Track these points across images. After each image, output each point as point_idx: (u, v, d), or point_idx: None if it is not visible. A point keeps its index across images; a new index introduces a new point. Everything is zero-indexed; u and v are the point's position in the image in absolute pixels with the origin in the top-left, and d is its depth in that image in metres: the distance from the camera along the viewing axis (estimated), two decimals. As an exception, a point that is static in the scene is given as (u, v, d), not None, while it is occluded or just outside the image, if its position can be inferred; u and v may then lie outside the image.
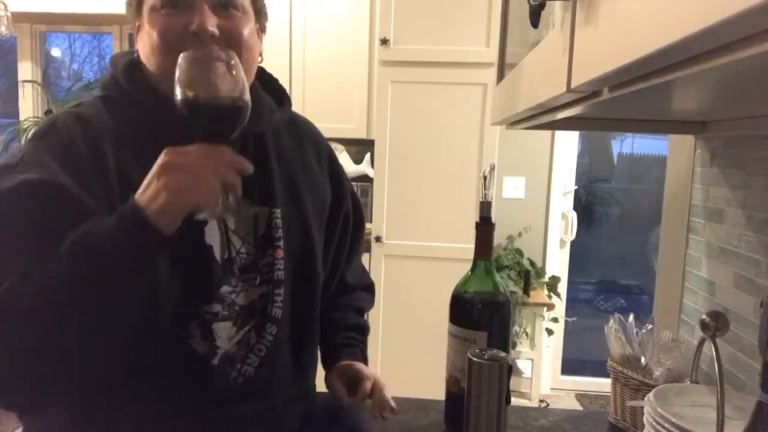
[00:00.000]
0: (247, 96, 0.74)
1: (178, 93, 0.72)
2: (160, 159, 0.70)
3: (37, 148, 0.77)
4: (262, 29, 0.92)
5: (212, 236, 0.84)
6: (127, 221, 0.69)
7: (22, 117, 3.57)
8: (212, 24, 0.81)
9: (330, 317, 1.08)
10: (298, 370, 0.97)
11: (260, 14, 0.91)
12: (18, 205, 0.73)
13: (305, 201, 0.97)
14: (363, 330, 1.13)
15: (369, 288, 1.20)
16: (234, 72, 0.74)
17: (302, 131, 1.04)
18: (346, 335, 1.09)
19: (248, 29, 0.86)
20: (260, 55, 0.91)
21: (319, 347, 1.07)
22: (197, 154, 0.70)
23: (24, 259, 0.70)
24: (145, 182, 0.70)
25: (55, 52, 3.86)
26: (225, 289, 0.86)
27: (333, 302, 1.11)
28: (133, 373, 0.79)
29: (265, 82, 0.98)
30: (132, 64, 0.88)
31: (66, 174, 0.75)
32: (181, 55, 0.73)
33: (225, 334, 0.85)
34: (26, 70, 3.55)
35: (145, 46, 0.84)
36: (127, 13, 0.90)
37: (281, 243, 0.91)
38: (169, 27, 0.81)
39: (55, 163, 0.75)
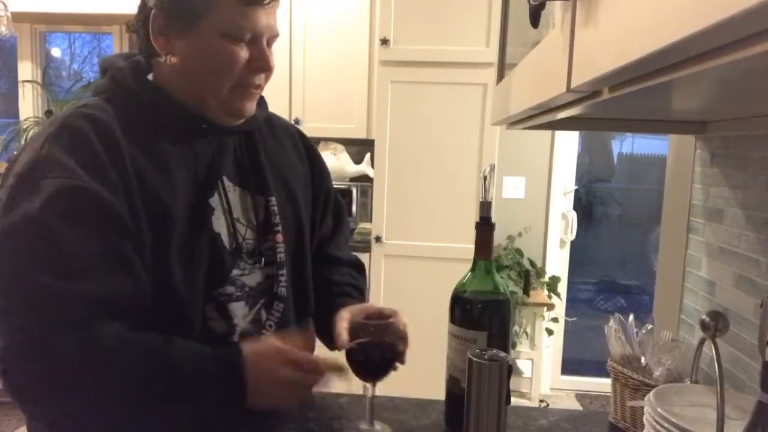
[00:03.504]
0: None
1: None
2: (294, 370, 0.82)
3: (51, 150, 0.79)
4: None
5: (219, 224, 0.92)
6: (231, 392, 0.81)
7: (22, 117, 3.57)
8: (272, 60, 0.91)
9: (329, 280, 1.12)
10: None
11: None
12: (53, 222, 0.76)
13: (294, 187, 1.06)
14: (362, 293, 1.16)
15: (357, 266, 1.21)
16: None
17: (277, 127, 1.11)
18: (350, 291, 1.12)
19: None
20: None
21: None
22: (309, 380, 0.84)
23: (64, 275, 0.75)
24: (267, 367, 0.82)
25: (55, 52, 3.86)
26: (235, 272, 0.93)
27: (330, 274, 1.13)
28: None
29: None
30: (138, 67, 0.91)
31: (84, 172, 0.78)
32: None
33: (240, 313, 0.93)
34: (26, 70, 3.55)
35: (195, 61, 0.88)
36: (156, 10, 0.86)
37: (279, 228, 0.99)
38: (236, 57, 0.87)
39: (74, 164, 0.78)
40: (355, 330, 0.93)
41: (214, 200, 0.92)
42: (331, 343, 1.02)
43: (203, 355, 0.81)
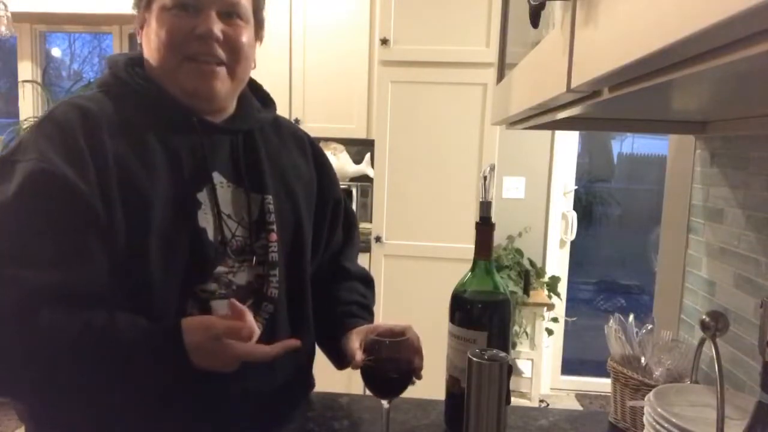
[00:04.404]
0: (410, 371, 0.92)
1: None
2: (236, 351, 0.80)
3: (33, 137, 0.82)
4: (259, 39, 0.99)
5: (206, 220, 0.90)
6: (173, 363, 0.79)
7: (22, 117, 3.57)
8: (217, 29, 0.88)
9: (337, 297, 1.11)
10: (295, 351, 0.99)
11: (260, 26, 0.98)
12: (20, 207, 0.78)
13: (294, 188, 1.04)
14: (371, 313, 1.15)
15: (367, 280, 1.20)
16: None
17: (285, 130, 1.10)
18: (358, 311, 1.10)
19: (248, 38, 0.93)
20: (253, 63, 0.98)
21: (323, 333, 1.09)
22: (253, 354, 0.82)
23: (31, 259, 0.76)
24: (204, 337, 0.79)
25: (55, 52, 3.86)
26: (221, 269, 0.91)
27: (337, 290, 1.12)
28: None
29: (253, 88, 1.07)
30: (131, 61, 0.94)
31: (60, 159, 0.79)
32: None
33: (224, 311, 0.88)
34: (26, 70, 3.55)
35: (151, 42, 0.91)
36: (133, 8, 0.94)
37: (274, 227, 0.97)
38: (177, 27, 0.88)
39: (51, 150, 0.79)
40: (369, 347, 0.91)
41: (203, 195, 0.90)
42: (339, 362, 1.03)
43: (142, 324, 0.80)
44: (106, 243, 0.81)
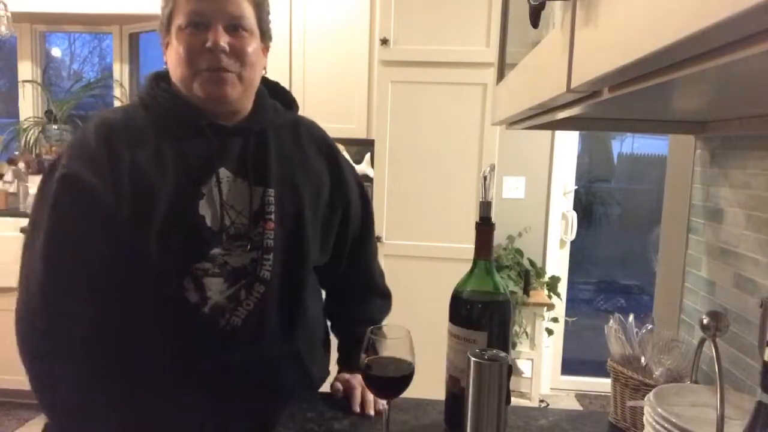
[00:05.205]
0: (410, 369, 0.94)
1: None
2: None
3: (68, 147, 1.01)
4: (266, 47, 1.09)
5: (206, 208, 1.01)
6: None
7: (22, 117, 3.57)
8: (224, 41, 0.98)
9: (352, 319, 1.25)
10: (286, 330, 1.09)
11: (265, 35, 1.07)
12: (55, 213, 0.94)
13: (299, 185, 1.10)
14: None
15: (385, 295, 1.37)
16: None
17: (304, 132, 1.17)
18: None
19: (253, 48, 1.03)
20: (264, 68, 1.09)
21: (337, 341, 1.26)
22: None
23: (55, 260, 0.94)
24: None
25: (55, 52, 3.86)
26: (217, 251, 1.01)
27: (355, 308, 1.27)
28: (135, 321, 0.96)
29: (277, 91, 1.17)
30: (157, 76, 1.07)
31: (80, 164, 0.95)
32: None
33: (216, 288, 1.00)
34: (26, 70, 3.56)
35: (172, 58, 1.02)
36: (158, 32, 1.08)
37: (272, 217, 1.05)
38: (191, 43, 0.99)
39: (75, 158, 0.97)
40: (369, 347, 0.93)
41: (206, 187, 1.01)
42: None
43: None
44: (112, 226, 0.94)
